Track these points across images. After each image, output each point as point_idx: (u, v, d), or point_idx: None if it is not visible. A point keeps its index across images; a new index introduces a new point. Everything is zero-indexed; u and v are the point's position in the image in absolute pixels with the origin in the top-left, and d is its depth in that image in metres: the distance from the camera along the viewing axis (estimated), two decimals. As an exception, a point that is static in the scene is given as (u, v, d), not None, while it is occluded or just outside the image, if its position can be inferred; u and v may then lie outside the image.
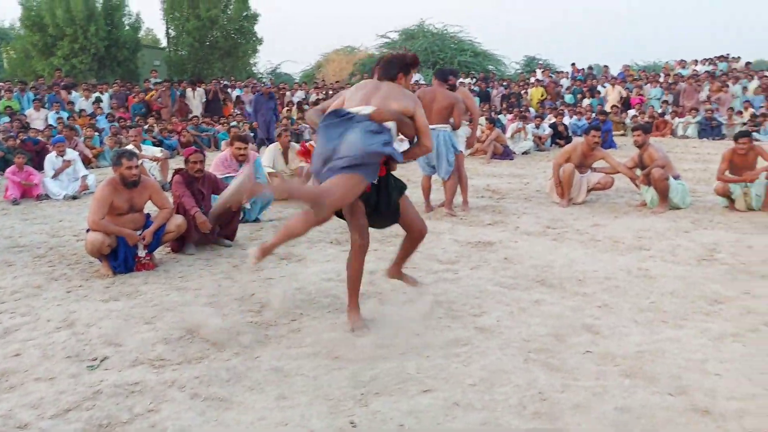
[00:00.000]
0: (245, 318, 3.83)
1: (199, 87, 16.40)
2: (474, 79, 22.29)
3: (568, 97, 19.57)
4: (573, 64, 23.80)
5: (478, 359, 3.23)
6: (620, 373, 3.06)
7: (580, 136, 14.86)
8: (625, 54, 71.09)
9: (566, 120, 16.30)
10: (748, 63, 20.76)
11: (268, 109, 11.65)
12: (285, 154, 7.71)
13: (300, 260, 5.12)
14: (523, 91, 20.43)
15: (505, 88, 20.55)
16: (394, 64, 3.61)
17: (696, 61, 23.14)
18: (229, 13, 27.32)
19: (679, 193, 6.84)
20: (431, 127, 4.89)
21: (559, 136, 13.88)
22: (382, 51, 29.65)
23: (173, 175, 5.55)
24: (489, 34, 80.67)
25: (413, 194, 4.75)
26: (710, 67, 21.23)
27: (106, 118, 13.95)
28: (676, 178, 6.93)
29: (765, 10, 76.69)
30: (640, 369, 3.10)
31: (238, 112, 15.99)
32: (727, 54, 23.19)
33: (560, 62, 29.66)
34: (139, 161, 8.54)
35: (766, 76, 18.94)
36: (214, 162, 6.59)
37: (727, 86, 17.77)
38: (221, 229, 5.51)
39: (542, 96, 19.82)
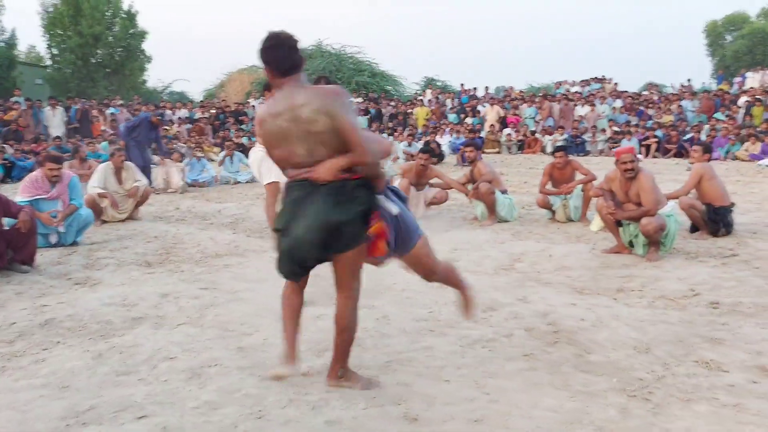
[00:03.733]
0: (-8, 349, 3.56)
1: (59, 106, 15.60)
2: (363, 99, 22.50)
3: (452, 117, 20.17)
4: (462, 85, 24.62)
5: (218, 380, 3.13)
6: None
7: (455, 153, 15.42)
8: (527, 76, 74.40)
9: (446, 138, 16.79)
10: (616, 83, 22.20)
11: (147, 138, 10.53)
12: (118, 173, 7.40)
13: (95, 284, 4.87)
14: (409, 111, 20.86)
15: (393, 108, 20.90)
16: None
17: (574, 82, 24.57)
18: (115, 30, 26.42)
19: (506, 206, 7.11)
20: None
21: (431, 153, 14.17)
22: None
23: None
24: (393, 56, 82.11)
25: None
26: (581, 88, 22.57)
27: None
28: (504, 192, 7.21)
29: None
30: (378, 379, 3.11)
31: (111, 131, 15.33)
32: (602, 76, 24.78)
33: (460, 83, 29.65)
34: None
35: (630, 97, 20.33)
36: (23, 183, 6.21)
37: (594, 105, 18.92)
38: (15, 253, 5.16)
39: (427, 115, 20.32)
